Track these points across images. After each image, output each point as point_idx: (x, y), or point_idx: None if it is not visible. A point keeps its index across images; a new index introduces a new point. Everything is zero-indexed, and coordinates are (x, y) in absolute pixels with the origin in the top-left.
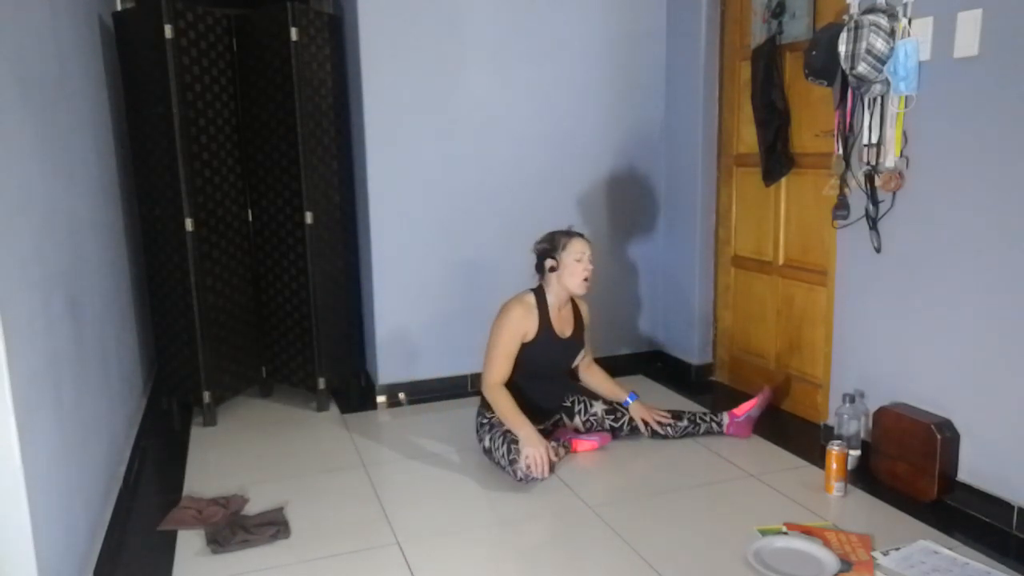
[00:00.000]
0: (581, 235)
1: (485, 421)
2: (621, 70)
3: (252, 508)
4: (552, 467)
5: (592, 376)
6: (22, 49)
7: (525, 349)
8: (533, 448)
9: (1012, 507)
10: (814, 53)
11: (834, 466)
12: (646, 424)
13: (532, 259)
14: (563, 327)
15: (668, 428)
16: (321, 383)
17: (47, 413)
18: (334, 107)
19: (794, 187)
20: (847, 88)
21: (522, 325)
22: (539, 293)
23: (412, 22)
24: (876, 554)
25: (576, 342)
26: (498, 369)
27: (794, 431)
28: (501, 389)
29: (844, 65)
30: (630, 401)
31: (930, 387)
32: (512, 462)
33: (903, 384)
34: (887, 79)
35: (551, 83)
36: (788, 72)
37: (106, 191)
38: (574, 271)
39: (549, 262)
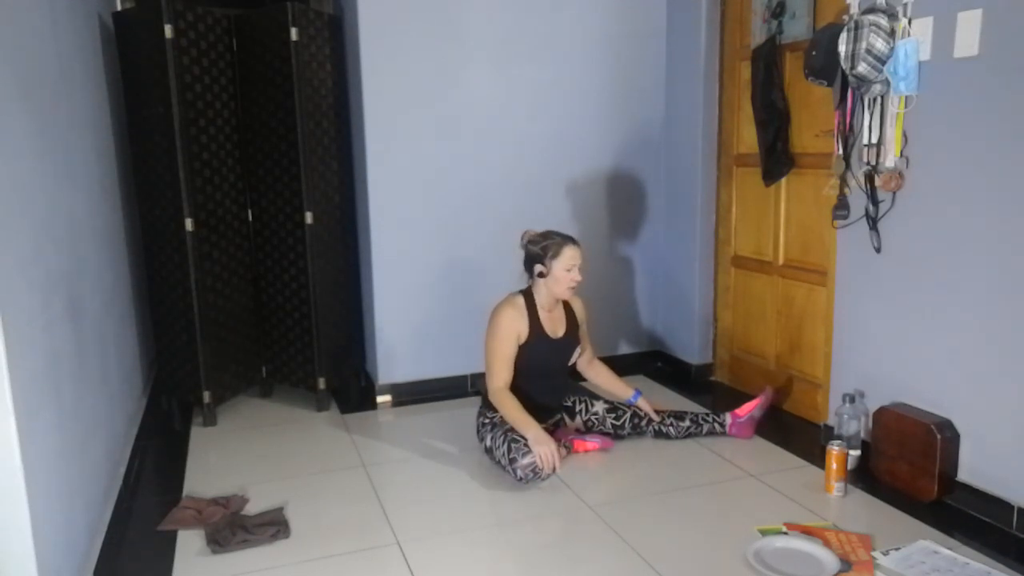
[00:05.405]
0: (575, 242)
1: (487, 421)
2: (621, 70)
3: (252, 508)
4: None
5: (595, 373)
6: (22, 49)
7: (520, 351)
8: (542, 446)
9: (1012, 507)
10: (814, 53)
11: (834, 466)
12: (649, 421)
13: None
14: (555, 327)
15: (671, 428)
16: (321, 383)
17: (47, 413)
18: (334, 107)
19: (794, 187)
20: (847, 88)
21: (514, 327)
22: (527, 295)
23: (412, 22)
24: (876, 554)
25: (570, 340)
26: (499, 374)
27: (794, 431)
28: (506, 393)
29: (844, 65)
30: (634, 400)
31: (930, 387)
32: (512, 461)
33: (903, 384)
34: (887, 79)
35: (551, 83)
36: (788, 72)
37: (106, 191)
38: (561, 280)
39: (538, 267)
